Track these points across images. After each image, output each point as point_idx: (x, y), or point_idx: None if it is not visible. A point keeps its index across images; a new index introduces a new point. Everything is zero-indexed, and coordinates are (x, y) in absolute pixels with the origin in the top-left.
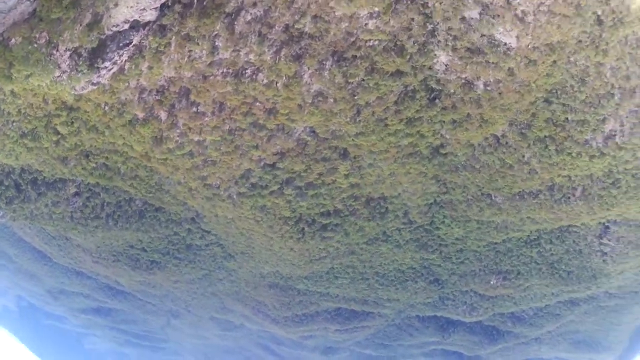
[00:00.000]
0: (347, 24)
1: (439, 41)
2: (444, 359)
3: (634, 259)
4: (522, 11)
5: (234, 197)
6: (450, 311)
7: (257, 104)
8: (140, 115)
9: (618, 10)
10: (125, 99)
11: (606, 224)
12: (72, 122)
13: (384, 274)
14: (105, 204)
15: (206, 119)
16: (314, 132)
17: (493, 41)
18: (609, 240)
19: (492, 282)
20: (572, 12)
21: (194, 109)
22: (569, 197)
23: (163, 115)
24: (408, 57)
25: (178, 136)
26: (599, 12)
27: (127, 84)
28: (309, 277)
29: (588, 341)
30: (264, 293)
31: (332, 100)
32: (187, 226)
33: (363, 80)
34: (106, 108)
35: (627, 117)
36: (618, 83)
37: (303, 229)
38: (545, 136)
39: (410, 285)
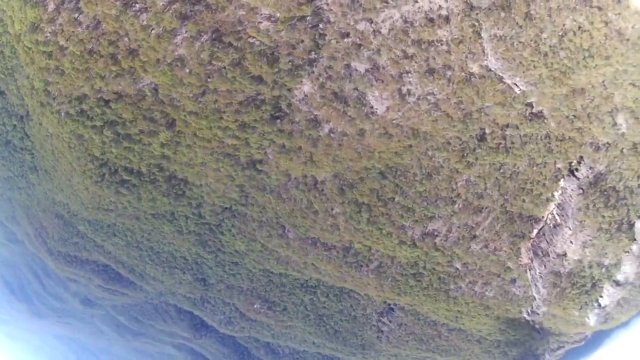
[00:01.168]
0: (243, 13)
1: (312, 72)
2: (193, 357)
3: (413, 350)
4: (408, 90)
5: (62, 114)
6: (208, 315)
7: (125, 39)
8: None
9: (510, 140)
10: None
11: (392, 306)
12: None
13: (158, 251)
14: None
15: (79, 29)
16: (156, 90)
17: (362, 99)
18: (390, 322)
19: (256, 306)
20: (457, 116)
21: (76, 15)
22: (361, 266)
23: (51, 6)
24: (276, 70)
25: (50, 33)
26: (487, 131)
27: None
28: (92, 222)
29: None
30: (49, 219)
31: (187, 70)
32: (15, 122)
33: (225, 68)
34: None
35: (459, 227)
36: (466, 195)
37: (104, 174)
38: (363, 203)
39: (178, 273)
